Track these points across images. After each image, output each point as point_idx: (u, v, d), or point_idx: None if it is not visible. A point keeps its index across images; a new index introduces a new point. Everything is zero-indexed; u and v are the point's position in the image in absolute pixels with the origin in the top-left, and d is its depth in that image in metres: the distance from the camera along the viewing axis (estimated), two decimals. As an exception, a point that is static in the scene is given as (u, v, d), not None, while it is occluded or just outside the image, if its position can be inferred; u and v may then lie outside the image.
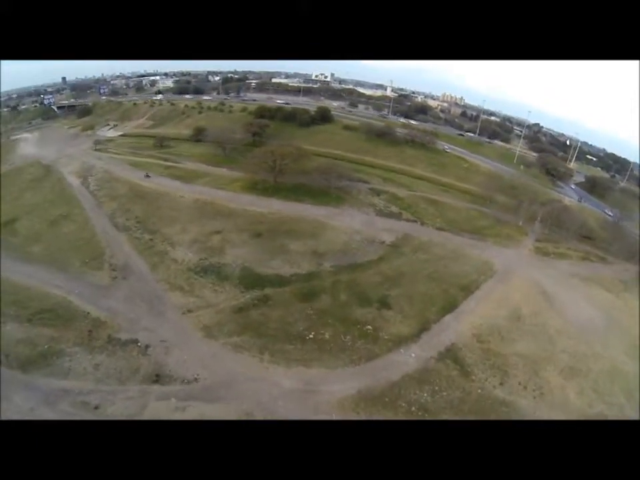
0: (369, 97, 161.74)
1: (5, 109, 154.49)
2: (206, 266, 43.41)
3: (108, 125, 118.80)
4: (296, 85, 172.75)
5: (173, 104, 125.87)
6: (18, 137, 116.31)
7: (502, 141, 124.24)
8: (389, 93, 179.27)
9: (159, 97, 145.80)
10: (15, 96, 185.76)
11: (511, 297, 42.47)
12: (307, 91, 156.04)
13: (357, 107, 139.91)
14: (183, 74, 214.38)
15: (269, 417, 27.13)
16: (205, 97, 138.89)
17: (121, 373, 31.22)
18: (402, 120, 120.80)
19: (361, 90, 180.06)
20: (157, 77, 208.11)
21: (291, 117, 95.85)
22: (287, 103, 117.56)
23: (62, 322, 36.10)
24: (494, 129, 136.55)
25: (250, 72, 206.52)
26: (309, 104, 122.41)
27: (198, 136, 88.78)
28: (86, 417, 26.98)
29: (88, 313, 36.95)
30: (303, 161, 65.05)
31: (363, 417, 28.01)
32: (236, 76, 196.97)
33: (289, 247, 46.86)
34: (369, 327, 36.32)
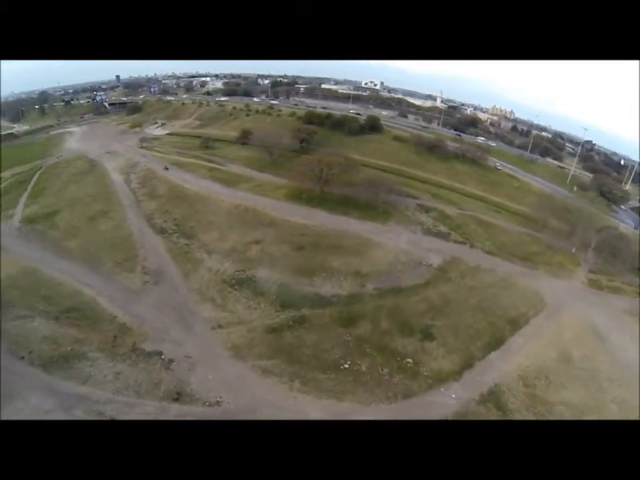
0: (419, 108, 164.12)
1: (61, 103, 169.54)
2: (242, 279, 42.86)
3: (156, 123, 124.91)
4: (345, 91, 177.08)
5: (221, 105, 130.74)
6: (68, 130, 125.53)
7: (554, 158, 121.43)
8: (438, 103, 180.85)
9: (208, 97, 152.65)
10: (71, 91, 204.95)
11: (561, 335, 40.27)
12: (355, 99, 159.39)
13: (406, 117, 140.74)
14: (232, 76, 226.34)
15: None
16: (254, 100, 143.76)
17: (140, 385, 30.87)
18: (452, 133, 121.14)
19: (410, 100, 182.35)
20: (207, 78, 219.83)
21: (340, 125, 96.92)
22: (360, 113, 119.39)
23: (88, 323, 36.60)
24: (546, 145, 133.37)
25: (299, 77, 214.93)
26: (358, 111, 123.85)
27: (244, 139, 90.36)
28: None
29: (115, 317, 37.25)
30: (351, 172, 64.52)
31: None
32: (285, 80, 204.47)
33: (331, 264, 45.69)
34: (409, 360, 34.83)
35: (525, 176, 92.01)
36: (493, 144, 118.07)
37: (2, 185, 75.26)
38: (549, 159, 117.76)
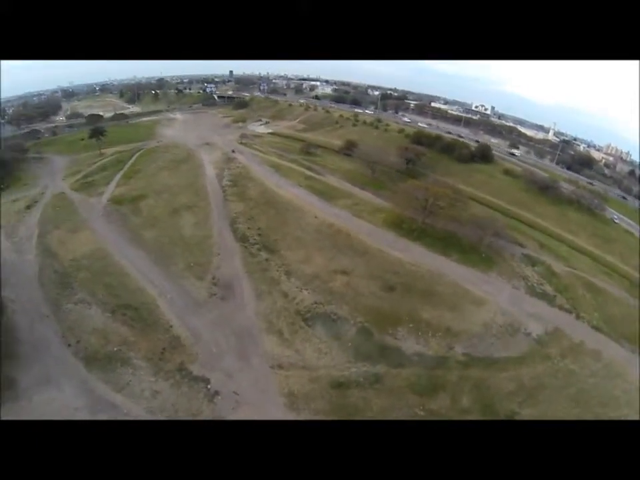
0: (529, 139, 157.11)
1: (174, 91, 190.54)
2: (318, 314, 39.89)
3: (260, 120, 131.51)
4: (455, 113, 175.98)
5: (328, 111, 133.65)
6: (175, 117, 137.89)
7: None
8: (550, 136, 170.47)
9: (316, 101, 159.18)
10: (186, 80, 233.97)
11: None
12: (465, 122, 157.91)
13: (517, 148, 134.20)
14: (342, 83, 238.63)
15: None
16: (362, 110, 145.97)
17: (177, 412, 29.47)
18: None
19: (521, 129, 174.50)
20: (317, 83, 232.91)
21: (449, 149, 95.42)
22: (449, 133, 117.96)
23: (142, 326, 36.57)
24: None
25: (409, 92, 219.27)
26: (466, 135, 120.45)
27: (348, 150, 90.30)
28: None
29: (170, 326, 36.67)
30: (458, 207, 60.55)
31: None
32: (395, 94, 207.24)
33: (421, 315, 41.56)
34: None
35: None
36: (617, 192, 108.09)
37: (102, 162, 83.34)
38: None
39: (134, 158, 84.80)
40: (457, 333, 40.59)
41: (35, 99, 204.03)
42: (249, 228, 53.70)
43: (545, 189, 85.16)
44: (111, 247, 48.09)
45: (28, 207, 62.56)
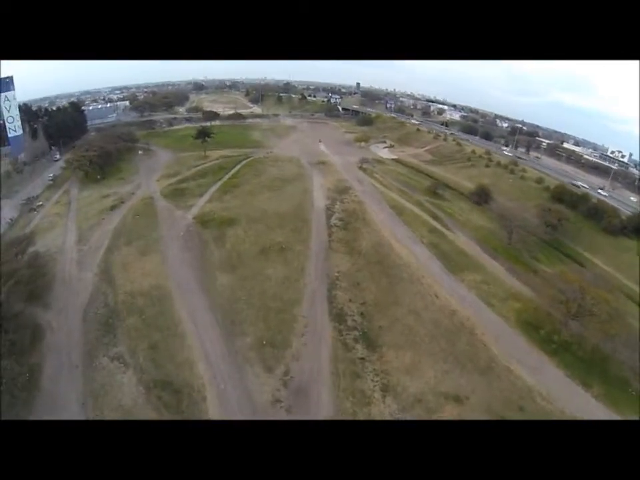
0: None
1: (299, 96, 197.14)
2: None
3: (384, 142, 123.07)
4: (590, 158, 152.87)
5: (459, 144, 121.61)
6: (293, 124, 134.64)
7: None
8: None
9: (444, 129, 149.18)
10: (312, 87, 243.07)
11: None
12: (596, 168, 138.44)
13: None
14: (470, 110, 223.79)
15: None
16: (494, 146, 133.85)
17: None
18: None
19: None
20: (445, 107, 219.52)
21: (596, 215, 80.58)
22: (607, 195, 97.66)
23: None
24: None
25: (538, 126, 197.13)
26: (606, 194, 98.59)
27: (480, 198, 78.93)
28: None
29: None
30: (616, 322, 42.71)
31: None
32: (524, 128, 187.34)
33: None
34: None
35: None
36: None
37: (203, 166, 79.36)
38: None
39: (237, 167, 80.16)
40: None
41: (170, 87, 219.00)
42: (350, 300, 41.76)
43: None
44: (175, 287, 40.79)
45: (112, 208, 59.76)
